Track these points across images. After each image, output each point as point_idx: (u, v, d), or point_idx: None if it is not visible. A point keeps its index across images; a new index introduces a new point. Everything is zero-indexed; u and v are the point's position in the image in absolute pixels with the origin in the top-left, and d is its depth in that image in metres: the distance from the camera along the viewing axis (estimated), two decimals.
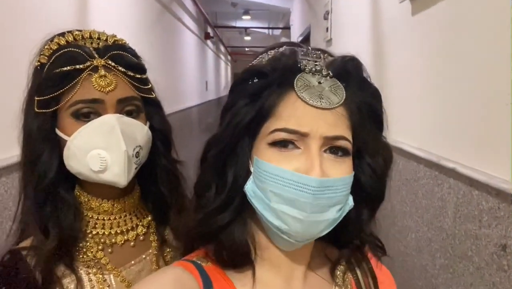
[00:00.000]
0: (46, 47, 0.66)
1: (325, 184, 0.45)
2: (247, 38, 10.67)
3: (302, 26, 4.74)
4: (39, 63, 0.66)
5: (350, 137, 0.48)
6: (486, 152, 1.03)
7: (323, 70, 0.49)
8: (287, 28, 7.01)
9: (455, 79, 1.18)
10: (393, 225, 1.66)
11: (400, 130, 1.62)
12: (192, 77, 5.69)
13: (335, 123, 0.47)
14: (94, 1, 2.07)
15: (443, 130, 1.26)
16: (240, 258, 0.51)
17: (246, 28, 9.53)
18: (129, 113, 0.68)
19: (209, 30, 7.15)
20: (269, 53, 0.52)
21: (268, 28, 9.72)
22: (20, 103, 0.69)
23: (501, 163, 0.96)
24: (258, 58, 0.53)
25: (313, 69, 0.49)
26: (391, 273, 0.61)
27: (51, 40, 0.67)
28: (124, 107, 0.67)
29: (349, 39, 2.46)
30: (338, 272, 0.57)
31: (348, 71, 0.50)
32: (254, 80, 0.49)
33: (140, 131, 0.68)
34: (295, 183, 0.45)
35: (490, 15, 1.01)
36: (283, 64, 0.48)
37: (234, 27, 9.62)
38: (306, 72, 0.49)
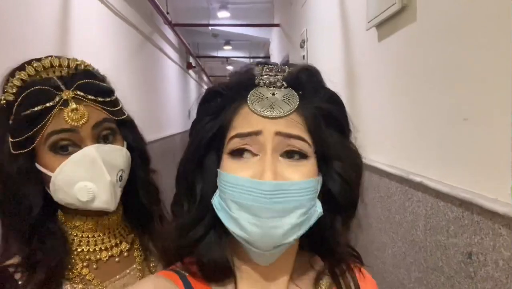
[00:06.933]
0: (9, 84, 0.64)
1: (279, 187, 0.45)
2: (229, 67, 10.87)
3: (281, 55, 4.90)
4: (4, 101, 0.64)
5: (308, 139, 0.48)
6: (449, 164, 1.09)
7: (278, 82, 0.50)
8: (267, 57, 7.20)
9: (418, 99, 1.25)
10: (372, 243, 1.69)
11: (374, 149, 1.68)
12: (174, 106, 5.74)
13: (288, 126, 0.48)
14: (75, 30, 2.12)
15: (410, 146, 1.32)
16: (220, 273, 0.51)
17: (227, 58, 9.74)
18: (106, 138, 0.68)
19: (191, 60, 7.27)
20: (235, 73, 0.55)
21: (249, 57, 9.94)
22: None
23: (463, 173, 1.02)
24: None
25: (267, 82, 0.50)
26: None
27: (12, 75, 0.65)
28: (100, 132, 0.67)
29: (324, 65, 2.56)
30: (322, 285, 0.56)
31: (301, 80, 0.51)
32: (217, 100, 0.52)
33: (120, 155, 0.69)
34: (249, 189, 0.45)
35: (446, 37, 1.09)
36: (236, 81, 0.52)
37: (216, 57, 9.81)
38: (261, 86, 0.51)
